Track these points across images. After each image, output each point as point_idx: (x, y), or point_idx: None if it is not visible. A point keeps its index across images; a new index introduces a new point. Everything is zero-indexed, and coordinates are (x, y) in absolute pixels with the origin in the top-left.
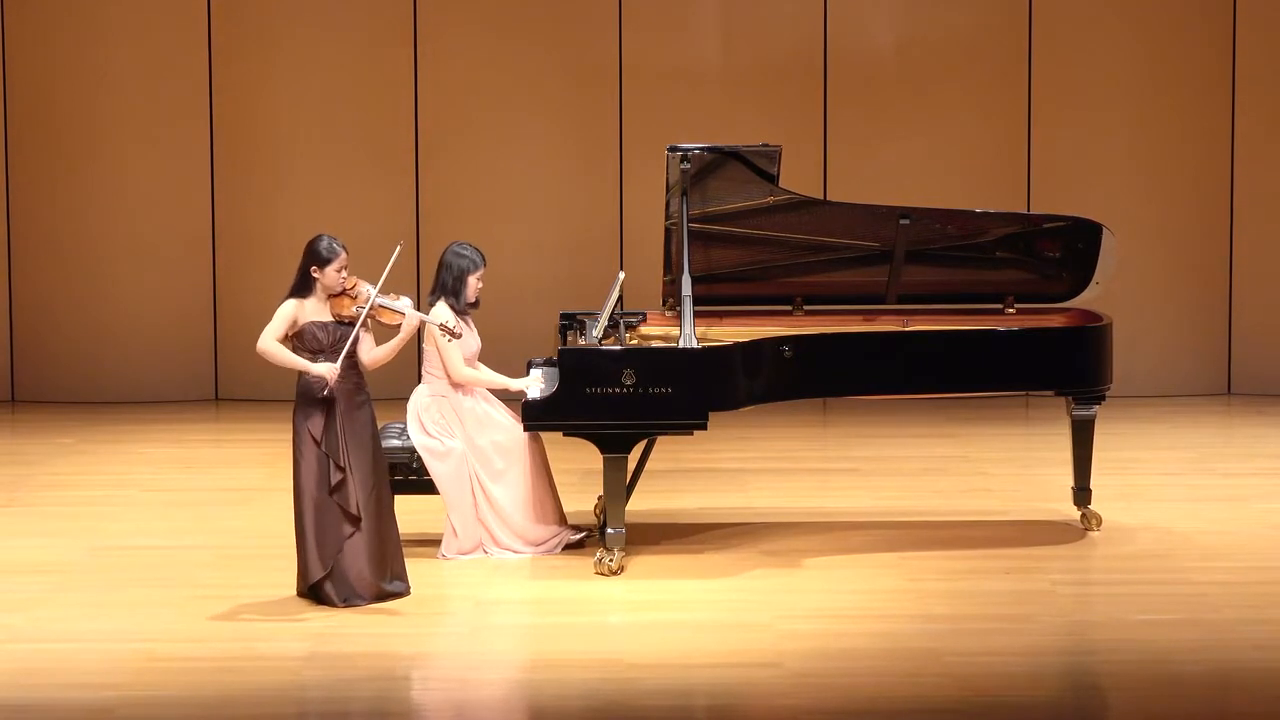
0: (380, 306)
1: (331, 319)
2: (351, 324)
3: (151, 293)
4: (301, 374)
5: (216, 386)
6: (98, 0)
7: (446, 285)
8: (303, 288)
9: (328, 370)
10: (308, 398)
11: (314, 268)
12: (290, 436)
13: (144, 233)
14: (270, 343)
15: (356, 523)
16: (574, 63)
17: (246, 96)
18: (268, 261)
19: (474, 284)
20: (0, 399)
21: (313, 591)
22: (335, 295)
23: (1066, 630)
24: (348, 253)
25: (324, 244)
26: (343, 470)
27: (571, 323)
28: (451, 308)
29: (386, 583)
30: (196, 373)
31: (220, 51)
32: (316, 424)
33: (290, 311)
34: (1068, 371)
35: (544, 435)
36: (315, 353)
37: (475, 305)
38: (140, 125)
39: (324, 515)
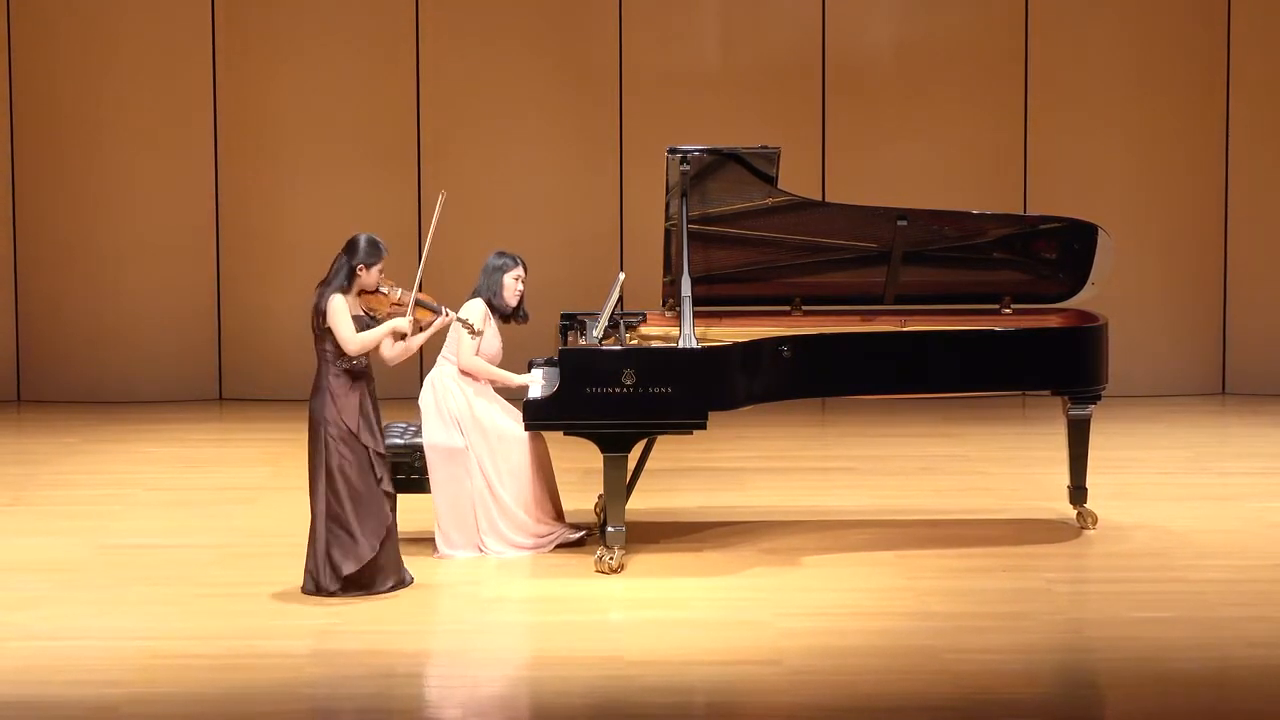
0: (420, 305)
1: (362, 313)
2: (377, 320)
3: (156, 293)
4: (328, 372)
5: (220, 386)
6: (102, 2)
7: (482, 287)
8: (345, 282)
9: (406, 325)
10: (339, 394)
11: (361, 266)
12: (299, 430)
13: (148, 233)
14: (358, 338)
15: (394, 505)
16: (575, 65)
17: (250, 98)
18: (271, 262)
19: (511, 283)
20: (6, 399)
21: (350, 582)
22: (369, 292)
23: (1063, 628)
24: (388, 253)
25: (371, 244)
26: (383, 459)
27: (572, 323)
28: (489, 303)
29: (398, 569)
30: (200, 373)
31: (224, 53)
32: (352, 419)
33: (346, 305)
34: (1064, 371)
35: (545, 434)
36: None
37: (521, 314)
38: (145, 126)
39: (367, 505)
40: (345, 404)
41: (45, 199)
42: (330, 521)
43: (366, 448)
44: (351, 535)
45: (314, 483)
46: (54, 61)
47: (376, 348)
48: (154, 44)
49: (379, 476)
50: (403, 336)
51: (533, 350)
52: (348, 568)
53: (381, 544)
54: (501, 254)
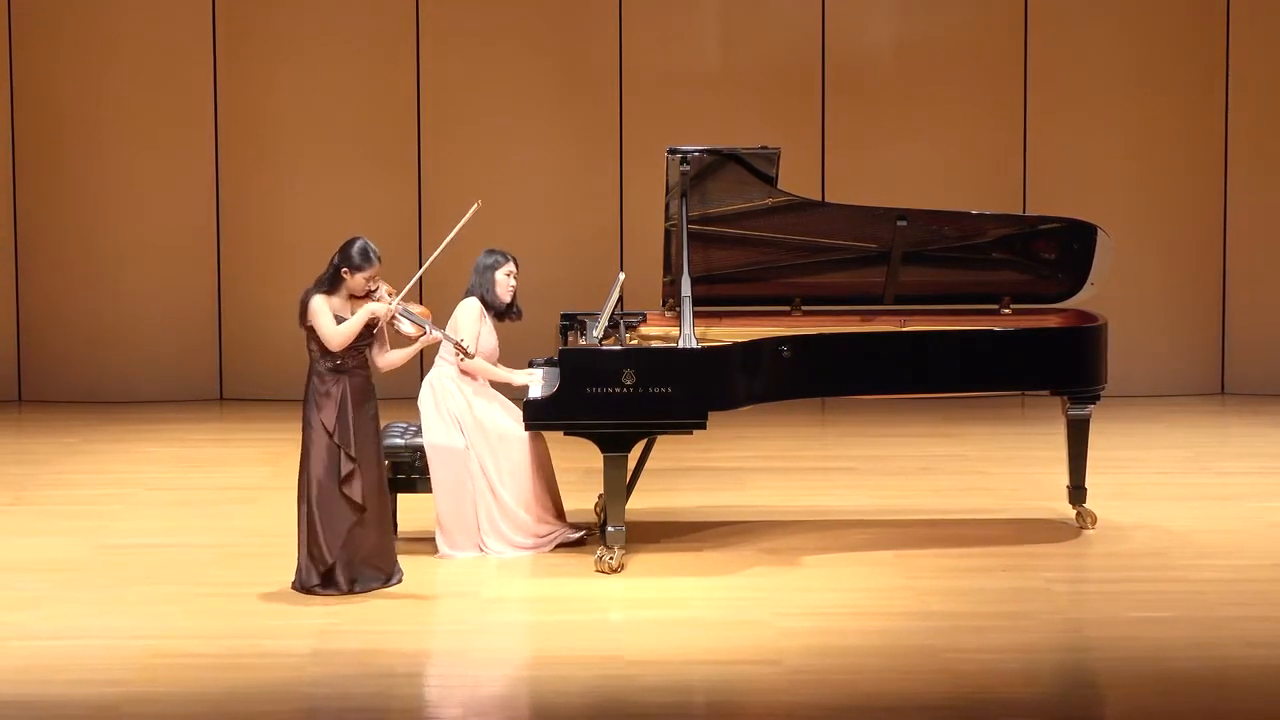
0: (403, 317)
1: (348, 317)
2: (369, 325)
3: (156, 293)
4: (314, 370)
5: (220, 386)
6: (103, 3)
7: (474, 286)
8: (331, 285)
9: (382, 310)
10: (321, 392)
11: (346, 269)
12: (299, 430)
13: (149, 234)
14: (338, 332)
15: (361, 511)
16: (575, 66)
17: (250, 98)
18: (272, 262)
19: (503, 280)
20: (7, 399)
21: (324, 580)
22: (359, 297)
23: (1062, 627)
24: (381, 263)
25: (362, 251)
26: (354, 461)
27: (572, 323)
28: (482, 301)
29: (387, 566)
30: (201, 373)
31: (225, 54)
32: (329, 416)
33: (326, 306)
34: (1063, 371)
35: (545, 434)
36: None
37: (514, 310)
38: (145, 127)
39: (333, 505)
40: (325, 404)
41: (46, 199)
42: (309, 520)
43: (339, 447)
44: (325, 534)
45: (298, 482)
46: (55, 62)
47: (370, 348)
48: (154, 44)
49: (342, 477)
50: (376, 323)
51: (533, 350)
52: (324, 565)
53: (342, 546)
54: (491, 251)
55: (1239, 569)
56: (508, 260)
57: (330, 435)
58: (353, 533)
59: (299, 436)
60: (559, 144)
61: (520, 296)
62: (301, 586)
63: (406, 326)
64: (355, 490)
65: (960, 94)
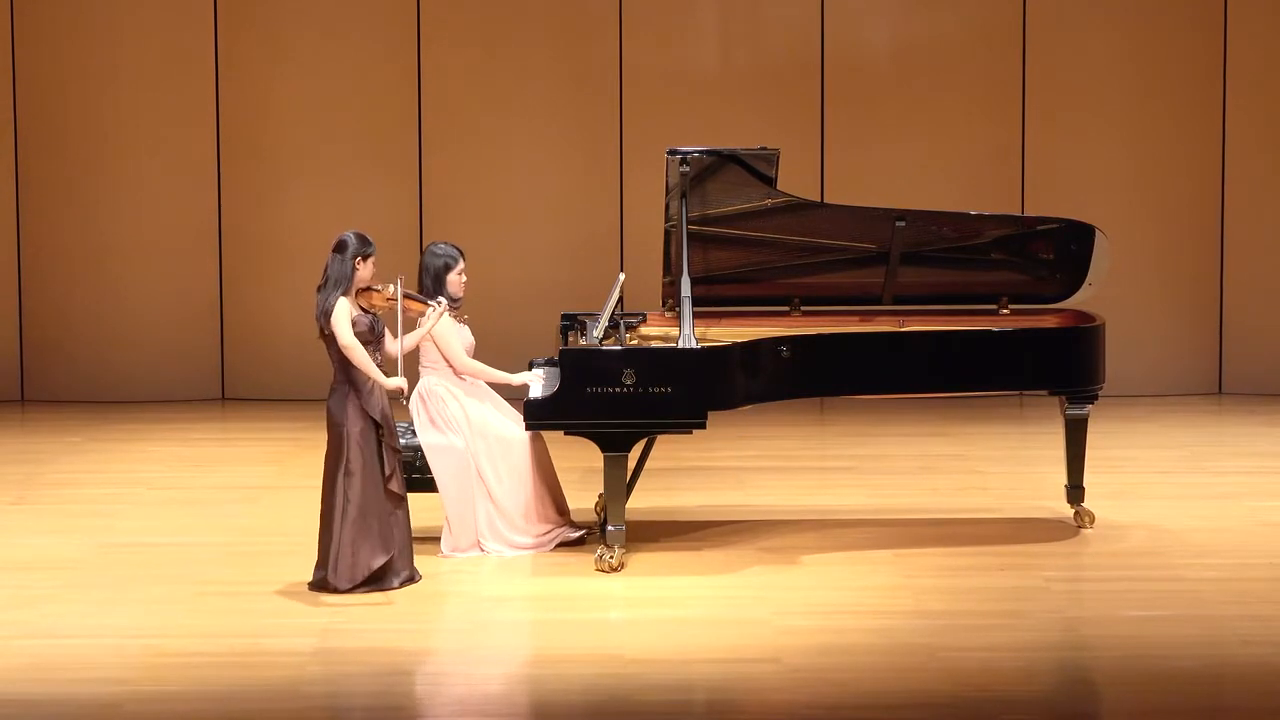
0: (408, 297)
1: (361, 311)
2: (376, 316)
3: (159, 294)
4: (345, 370)
5: (223, 386)
6: (106, 6)
7: (428, 288)
8: (347, 282)
9: (398, 384)
10: (365, 387)
11: (358, 259)
12: (301, 429)
13: (151, 234)
14: (354, 346)
15: (402, 502)
16: (575, 67)
17: (252, 100)
18: (273, 263)
19: (455, 279)
20: (10, 398)
21: (374, 578)
22: (363, 290)
23: (1060, 626)
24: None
25: (360, 237)
26: (398, 453)
27: (572, 323)
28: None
29: (410, 562)
30: (203, 372)
31: (227, 57)
32: (375, 408)
33: (348, 308)
34: (1061, 371)
35: (545, 434)
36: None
37: (457, 302)
38: (148, 128)
39: (382, 499)
40: (370, 399)
41: (50, 200)
42: (354, 520)
43: (380, 441)
44: (377, 532)
45: (332, 482)
46: (58, 62)
47: (378, 346)
48: (157, 45)
49: (387, 474)
50: (399, 392)
51: (533, 350)
52: (376, 562)
53: (393, 538)
54: (438, 246)
55: (1236, 568)
56: (458, 259)
57: (378, 428)
58: (397, 522)
59: (301, 435)
60: (559, 144)
61: (521, 297)
62: (324, 586)
63: (418, 308)
64: (397, 483)
65: (959, 95)
